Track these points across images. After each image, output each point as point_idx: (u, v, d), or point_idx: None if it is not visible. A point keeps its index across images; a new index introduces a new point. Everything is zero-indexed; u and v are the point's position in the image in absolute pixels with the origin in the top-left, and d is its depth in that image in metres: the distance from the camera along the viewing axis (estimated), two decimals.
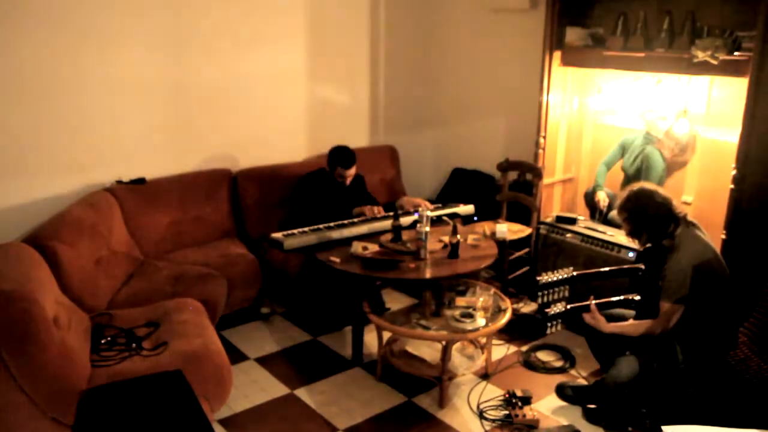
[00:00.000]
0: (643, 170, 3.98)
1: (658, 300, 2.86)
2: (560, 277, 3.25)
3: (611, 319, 3.03)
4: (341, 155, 4.04)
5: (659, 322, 2.83)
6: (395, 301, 4.19)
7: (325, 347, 3.84)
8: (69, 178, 3.75)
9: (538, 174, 4.24)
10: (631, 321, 2.99)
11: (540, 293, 3.27)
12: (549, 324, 3.23)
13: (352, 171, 4.07)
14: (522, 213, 4.42)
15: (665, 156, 3.99)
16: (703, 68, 3.37)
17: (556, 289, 3.40)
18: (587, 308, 3.04)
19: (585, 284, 3.36)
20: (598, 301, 3.06)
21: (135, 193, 3.91)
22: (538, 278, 3.23)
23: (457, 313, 3.24)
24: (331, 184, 4.10)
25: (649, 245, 3.01)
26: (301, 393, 3.34)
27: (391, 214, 3.76)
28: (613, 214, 3.99)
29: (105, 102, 3.82)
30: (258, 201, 4.35)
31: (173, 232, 4.02)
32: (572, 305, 3.15)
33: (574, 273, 3.29)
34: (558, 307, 3.18)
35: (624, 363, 2.89)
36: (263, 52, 4.45)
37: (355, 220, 3.94)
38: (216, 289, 3.53)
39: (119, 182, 3.93)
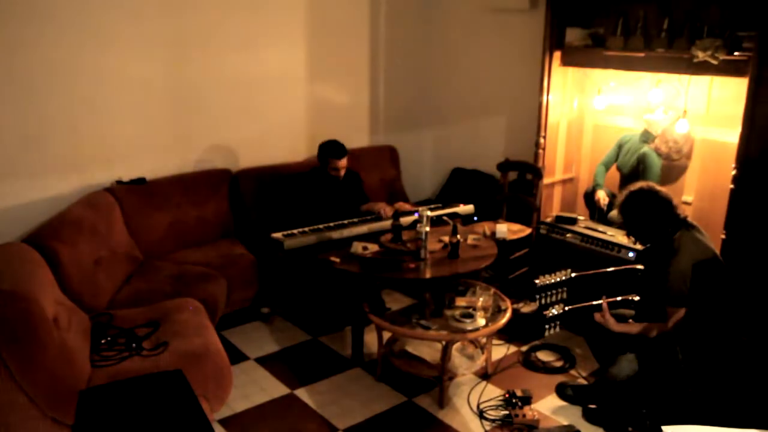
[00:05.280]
0: (641, 170, 3.98)
1: (657, 300, 2.86)
2: (558, 279, 3.24)
3: (615, 319, 3.02)
4: (331, 146, 4.03)
5: (668, 325, 2.83)
6: (395, 301, 4.20)
7: (325, 347, 3.83)
8: (69, 178, 3.74)
9: (538, 174, 4.24)
10: (637, 322, 2.99)
11: (538, 296, 3.27)
12: (547, 326, 3.22)
13: (344, 162, 4.05)
14: (522, 213, 4.42)
15: (662, 155, 3.98)
16: (703, 68, 3.37)
17: (555, 291, 3.40)
18: (592, 308, 3.04)
19: (584, 285, 3.36)
20: (608, 300, 3.04)
21: (135, 193, 3.91)
22: (536, 281, 3.23)
23: (457, 313, 3.24)
24: (326, 180, 4.10)
25: (648, 245, 3.00)
26: (301, 393, 3.34)
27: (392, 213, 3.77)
28: (614, 213, 3.98)
29: (105, 102, 3.82)
30: (258, 201, 4.35)
31: (173, 232, 4.02)
32: (572, 306, 3.14)
33: (572, 275, 3.28)
34: (556, 310, 3.17)
35: (624, 362, 2.89)
36: (263, 52, 4.45)
37: (356, 220, 3.93)
38: (216, 289, 3.53)
39: (119, 182, 3.93)
